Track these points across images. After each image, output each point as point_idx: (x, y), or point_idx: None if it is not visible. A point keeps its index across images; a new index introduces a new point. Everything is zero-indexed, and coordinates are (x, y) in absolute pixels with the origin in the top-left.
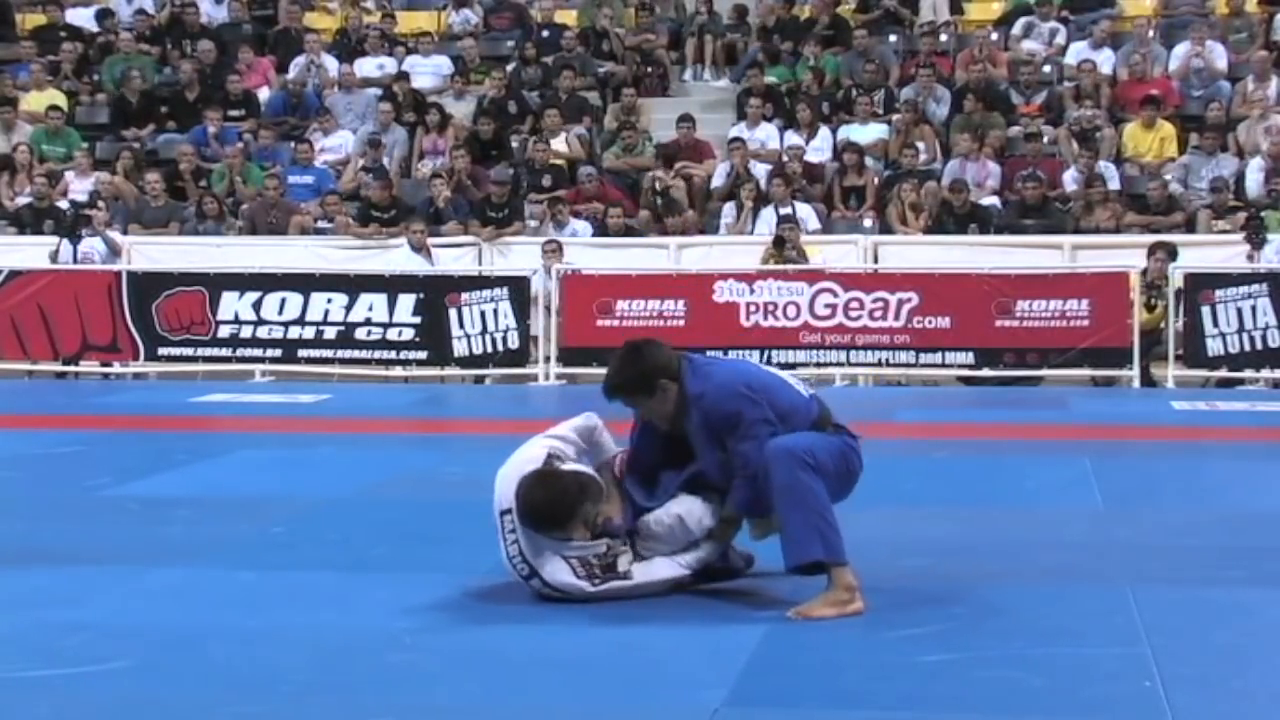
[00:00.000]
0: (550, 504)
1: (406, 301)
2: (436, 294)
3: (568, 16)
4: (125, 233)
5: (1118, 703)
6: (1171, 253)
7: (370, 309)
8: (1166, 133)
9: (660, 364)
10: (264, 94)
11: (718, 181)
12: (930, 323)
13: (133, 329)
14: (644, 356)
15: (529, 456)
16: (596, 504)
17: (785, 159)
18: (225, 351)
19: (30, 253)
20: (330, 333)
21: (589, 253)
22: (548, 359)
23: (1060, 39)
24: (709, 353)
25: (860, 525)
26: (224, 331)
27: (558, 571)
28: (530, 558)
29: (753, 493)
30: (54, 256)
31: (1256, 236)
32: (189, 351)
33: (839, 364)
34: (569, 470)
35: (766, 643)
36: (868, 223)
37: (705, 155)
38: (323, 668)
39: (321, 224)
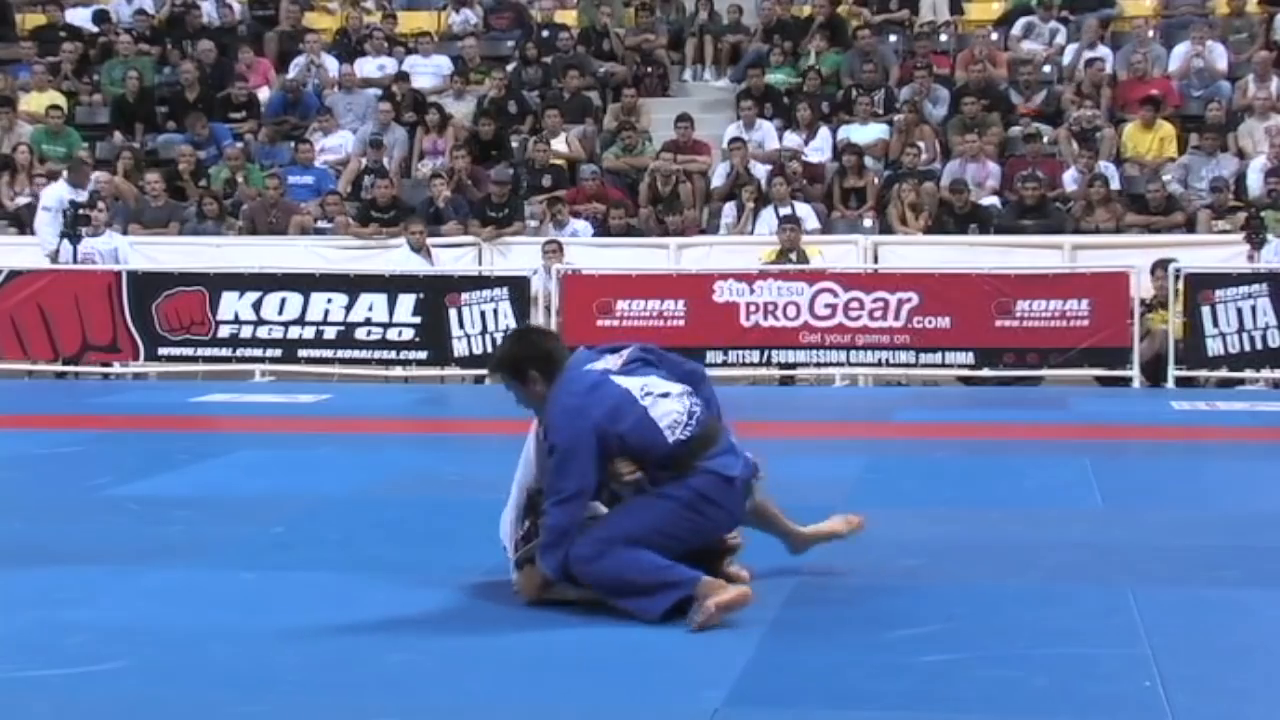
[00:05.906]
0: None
1: (406, 301)
2: (436, 294)
3: (568, 16)
4: (125, 233)
5: (1118, 703)
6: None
7: (370, 309)
8: (1166, 133)
9: (537, 354)
10: (264, 94)
11: (718, 181)
12: (930, 323)
13: (133, 329)
14: (526, 343)
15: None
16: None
17: (785, 159)
18: (225, 351)
19: (30, 253)
20: (330, 333)
21: (589, 253)
22: None
23: (1060, 39)
24: (708, 353)
25: None
26: (224, 331)
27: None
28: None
29: (557, 559)
30: (54, 256)
31: (1256, 236)
32: (189, 351)
33: (839, 364)
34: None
35: (766, 643)
36: (868, 223)
37: (703, 155)
38: (323, 668)
39: (321, 224)
